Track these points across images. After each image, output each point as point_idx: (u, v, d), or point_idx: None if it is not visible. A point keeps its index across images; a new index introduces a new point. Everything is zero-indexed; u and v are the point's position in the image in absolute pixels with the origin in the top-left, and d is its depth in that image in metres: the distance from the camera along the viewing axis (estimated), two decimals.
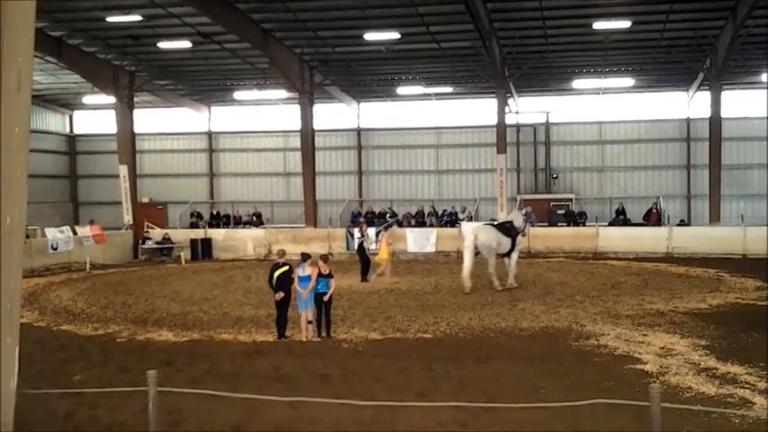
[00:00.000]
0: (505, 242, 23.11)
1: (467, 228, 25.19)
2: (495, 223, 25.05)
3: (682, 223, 37.50)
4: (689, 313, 18.20)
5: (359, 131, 44.62)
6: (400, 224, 37.35)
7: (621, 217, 37.63)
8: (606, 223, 37.26)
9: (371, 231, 31.92)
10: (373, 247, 29.18)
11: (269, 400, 9.56)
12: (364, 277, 25.92)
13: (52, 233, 31.79)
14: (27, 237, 28.35)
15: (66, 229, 33.14)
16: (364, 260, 26.47)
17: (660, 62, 36.42)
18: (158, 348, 15.26)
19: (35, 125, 42.61)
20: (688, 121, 40.80)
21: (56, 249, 31.42)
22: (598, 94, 41.55)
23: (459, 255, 31.27)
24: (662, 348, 14.26)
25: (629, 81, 39.45)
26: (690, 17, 30.28)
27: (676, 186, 41.24)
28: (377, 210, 40.46)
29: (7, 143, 4.61)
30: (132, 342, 16.11)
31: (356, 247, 27.57)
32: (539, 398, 10.74)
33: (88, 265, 31.56)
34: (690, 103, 40.71)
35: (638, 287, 23.19)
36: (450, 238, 34.38)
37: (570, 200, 40.29)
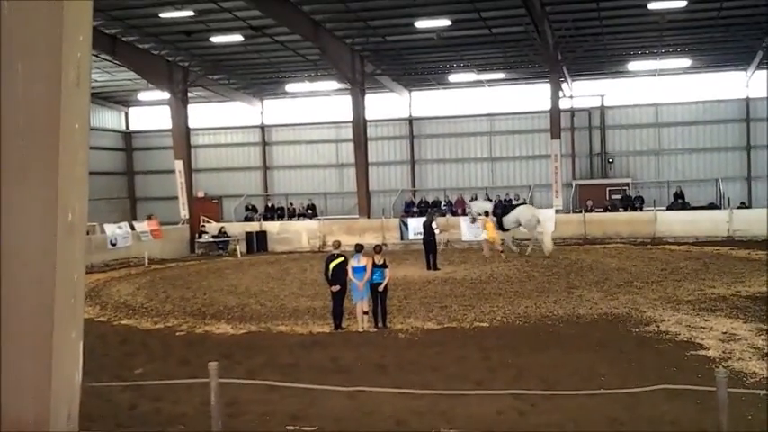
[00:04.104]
0: None
1: (527, 212, 29.06)
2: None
3: (742, 206, 36.66)
4: (751, 297, 17.81)
5: (411, 120, 44.44)
6: (444, 214, 36.91)
7: (680, 201, 36.94)
8: (664, 207, 36.67)
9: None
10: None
11: (327, 391, 9.61)
12: (433, 266, 25.93)
13: (111, 229, 32.35)
14: (87, 233, 28.84)
15: (125, 224, 33.74)
16: (432, 249, 26.33)
17: (717, 41, 35.51)
18: (217, 341, 15.44)
19: (92, 123, 43.33)
20: (747, 101, 39.74)
21: (115, 245, 31.95)
22: (654, 75, 40.69)
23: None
24: (724, 333, 14.00)
25: (685, 62, 38.50)
26: None
27: (736, 168, 40.21)
28: (430, 199, 40.37)
29: (68, 139, 4.66)
30: (191, 335, 16.34)
31: (427, 238, 26.60)
32: (599, 385, 10.56)
33: (146, 260, 31.98)
34: (749, 83, 39.64)
35: (698, 272, 22.73)
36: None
37: (627, 184, 39.70)
